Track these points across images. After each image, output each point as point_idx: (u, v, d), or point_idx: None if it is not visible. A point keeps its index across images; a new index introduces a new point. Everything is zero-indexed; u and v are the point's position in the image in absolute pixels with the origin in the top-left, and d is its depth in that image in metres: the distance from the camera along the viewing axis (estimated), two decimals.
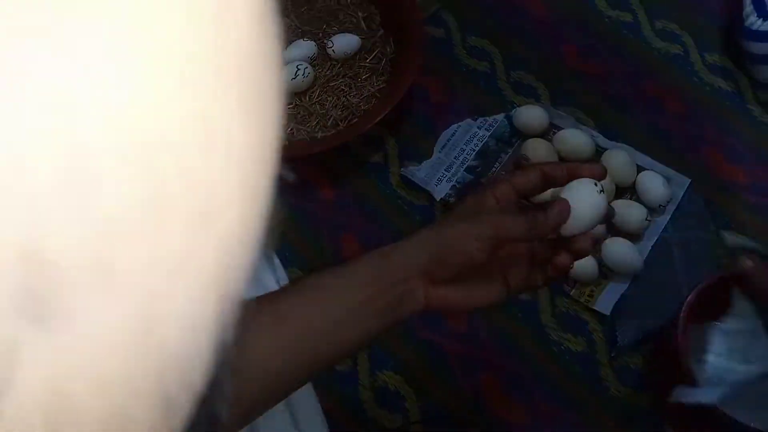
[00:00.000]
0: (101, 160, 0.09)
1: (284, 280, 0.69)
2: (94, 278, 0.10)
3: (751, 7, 0.93)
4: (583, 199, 0.43)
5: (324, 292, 0.44)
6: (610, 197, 0.80)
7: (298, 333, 0.42)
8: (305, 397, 0.60)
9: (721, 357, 0.64)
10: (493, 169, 0.87)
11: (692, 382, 0.62)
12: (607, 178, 0.81)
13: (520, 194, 0.46)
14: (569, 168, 0.45)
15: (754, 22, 0.91)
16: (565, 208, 0.42)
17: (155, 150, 0.10)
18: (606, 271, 0.78)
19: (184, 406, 0.12)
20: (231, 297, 0.12)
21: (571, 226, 0.43)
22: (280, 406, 0.57)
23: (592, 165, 0.47)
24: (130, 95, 0.10)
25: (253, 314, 0.42)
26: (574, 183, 0.43)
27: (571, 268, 0.46)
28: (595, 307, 0.77)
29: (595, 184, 0.43)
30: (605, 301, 0.77)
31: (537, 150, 0.83)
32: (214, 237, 0.11)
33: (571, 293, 0.78)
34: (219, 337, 0.12)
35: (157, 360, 0.11)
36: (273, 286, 0.64)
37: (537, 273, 0.47)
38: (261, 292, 0.64)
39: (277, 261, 0.70)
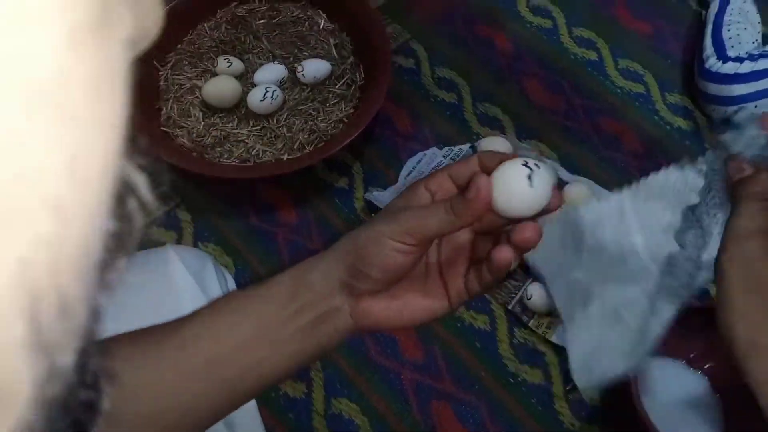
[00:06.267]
0: None
1: None
2: None
3: (712, 49, 0.96)
4: (513, 175, 0.36)
5: (234, 314, 0.39)
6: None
7: (204, 358, 0.38)
8: (248, 419, 0.59)
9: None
10: None
11: (643, 416, 0.63)
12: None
13: (458, 186, 0.39)
14: (507, 156, 0.38)
15: (714, 63, 0.94)
16: (484, 183, 0.35)
17: None
18: None
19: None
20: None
21: (504, 207, 0.36)
22: (220, 426, 0.55)
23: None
24: None
25: (155, 342, 0.39)
26: (505, 163, 0.37)
27: (513, 264, 0.38)
28: (552, 339, 0.77)
29: (526, 163, 0.37)
30: (563, 333, 0.77)
31: None
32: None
33: (530, 324, 0.78)
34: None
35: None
36: None
37: (473, 276, 0.39)
38: None
39: (232, 285, 0.70)
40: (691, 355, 0.73)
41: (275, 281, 0.40)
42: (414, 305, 0.39)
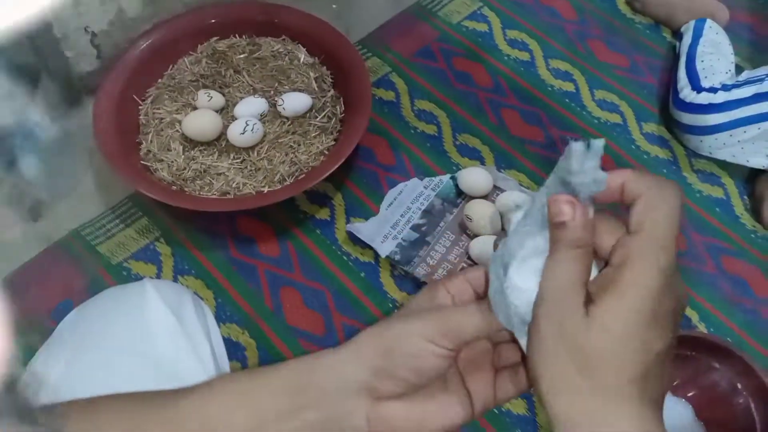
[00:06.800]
0: None
1: (218, 340, 0.67)
2: None
3: (686, 80, 0.98)
4: None
5: (229, 400, 0.36)
6: None
7: None
8: None
9: None
10: (439, 227, 0.87)
11: None
12: None
13: (476, 291, 0.38)
14: None
15: (688, 94, 0.96)
16: None
17: None
18: None
19: None
20: None
21: None
22: None
23: None
24: None
25: (138, 422, 0.36)
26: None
27: None
28: None
29: None
30: None
31: (480, 211, 0.84)
32: None
33: None
34: None
35: None
36: (204, 346, 0.62)
37: (506, 380, 0.38)
38: (192, 357, 0.61)
39: (211, 320, 0.68)
40: (675, 383, 0.73)
41: (278, 371, 0.36)
42: (435, 413, 0.36)
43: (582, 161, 0.33)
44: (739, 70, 1.01)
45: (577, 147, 0.32)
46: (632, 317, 0.31)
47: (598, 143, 0.32)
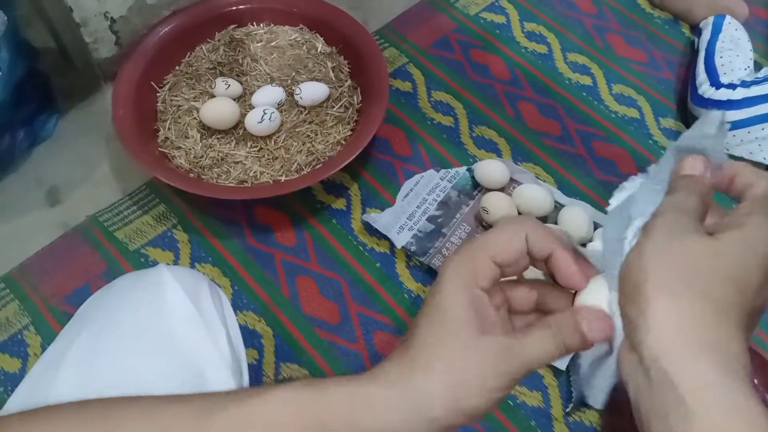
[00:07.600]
0: None
1: (234, 326, 0.67)
2: None
3: (705, 76, 0.97)
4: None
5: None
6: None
7: None
8: None
9: None
10: (455, 219, 0.87)
11: None
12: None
13: (501, 266, 0.37)
14: (555, 241, 0.38)
15: (707, 90, 0.95)
16: (608, 323, 0.35)
17: None
18: None
19: None
20: None
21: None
22: None
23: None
24: None
25: None
26: (593, 285, 0.36)
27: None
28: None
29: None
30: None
31: (497, 204, 0.84)
32: None
33: None
34: None
35: None
36: (221, 332, 0.63)
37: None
38: (209, 343, 0.61)
39: (227, 306, 0.69)
40: None
41: (330, 389, 0.34)
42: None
43: (719, 128, 0.35)
44: (757, 66, 1.01)
45: (718, 114, 0.35)
46: (753, 255, 0.32)
47: (726, 118, 0.36)
